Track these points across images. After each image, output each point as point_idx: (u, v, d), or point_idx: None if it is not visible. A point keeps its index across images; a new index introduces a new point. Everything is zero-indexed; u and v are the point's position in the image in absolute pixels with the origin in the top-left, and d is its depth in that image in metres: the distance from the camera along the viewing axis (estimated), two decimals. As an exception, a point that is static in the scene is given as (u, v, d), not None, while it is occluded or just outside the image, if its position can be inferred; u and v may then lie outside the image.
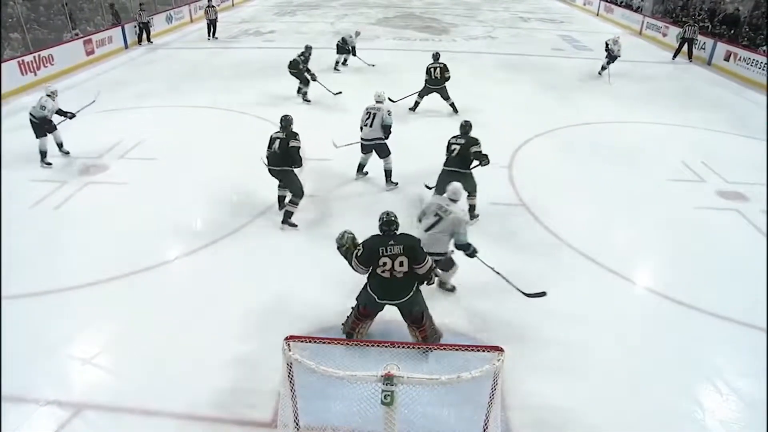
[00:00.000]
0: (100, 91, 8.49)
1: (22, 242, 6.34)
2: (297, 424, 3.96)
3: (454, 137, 6.59)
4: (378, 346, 3.46)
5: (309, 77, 11.11)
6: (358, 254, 4.39)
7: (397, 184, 7.63)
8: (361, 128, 7.48)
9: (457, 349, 3.44)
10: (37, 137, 8.08)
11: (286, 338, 3.44)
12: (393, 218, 4.42)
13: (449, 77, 10.24)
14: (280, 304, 5.33)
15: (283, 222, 6.64)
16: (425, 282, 4.55)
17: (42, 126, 8.09)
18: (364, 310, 4.56)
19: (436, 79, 10.17)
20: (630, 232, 6.74)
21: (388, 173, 7.60)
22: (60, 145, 8.49)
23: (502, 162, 8.32)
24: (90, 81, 12.88)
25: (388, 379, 3.04)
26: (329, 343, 3.53)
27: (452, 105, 10.53)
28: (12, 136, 9.11)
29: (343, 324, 4.78)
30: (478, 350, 3.43)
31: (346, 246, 4.56)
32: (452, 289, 5.50)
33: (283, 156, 6.34)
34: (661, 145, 9.40)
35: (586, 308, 5.33)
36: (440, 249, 5.08)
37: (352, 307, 4.67)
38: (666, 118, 10.83)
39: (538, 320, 5.12)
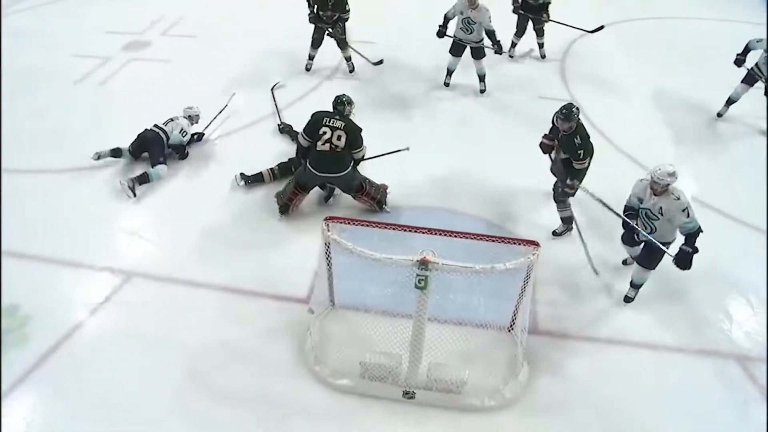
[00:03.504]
0: (235, 93, 6.64)
1: (68, 118, 6.47)
2: (332, 302, 4.14)
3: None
4: (415, 231, 3.47)
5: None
6: (304, 126, 4.72)
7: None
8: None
9: (493, 240, 3.44)
10: (153, 163, 5.50)
11: (326, 218, 3.51)
12: (345, 100, 4.76)
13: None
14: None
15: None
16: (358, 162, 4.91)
17: (172, 151, 5.75)
18: (303, 184, 4.91)
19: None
20: (678, 136, 6.39)
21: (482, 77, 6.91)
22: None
23: (555, 55, 7.82)
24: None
25: (423, 264, 3.09)
26: (367, 225, 3.55)
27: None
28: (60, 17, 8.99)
29: (277, 195, 5.03)
30: (514, 243, 3.44)
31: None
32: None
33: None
34: (735, 46, 8.57)
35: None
36: None
37: (290, 180, 4.97)
38: (746, 15, 9.42)
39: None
